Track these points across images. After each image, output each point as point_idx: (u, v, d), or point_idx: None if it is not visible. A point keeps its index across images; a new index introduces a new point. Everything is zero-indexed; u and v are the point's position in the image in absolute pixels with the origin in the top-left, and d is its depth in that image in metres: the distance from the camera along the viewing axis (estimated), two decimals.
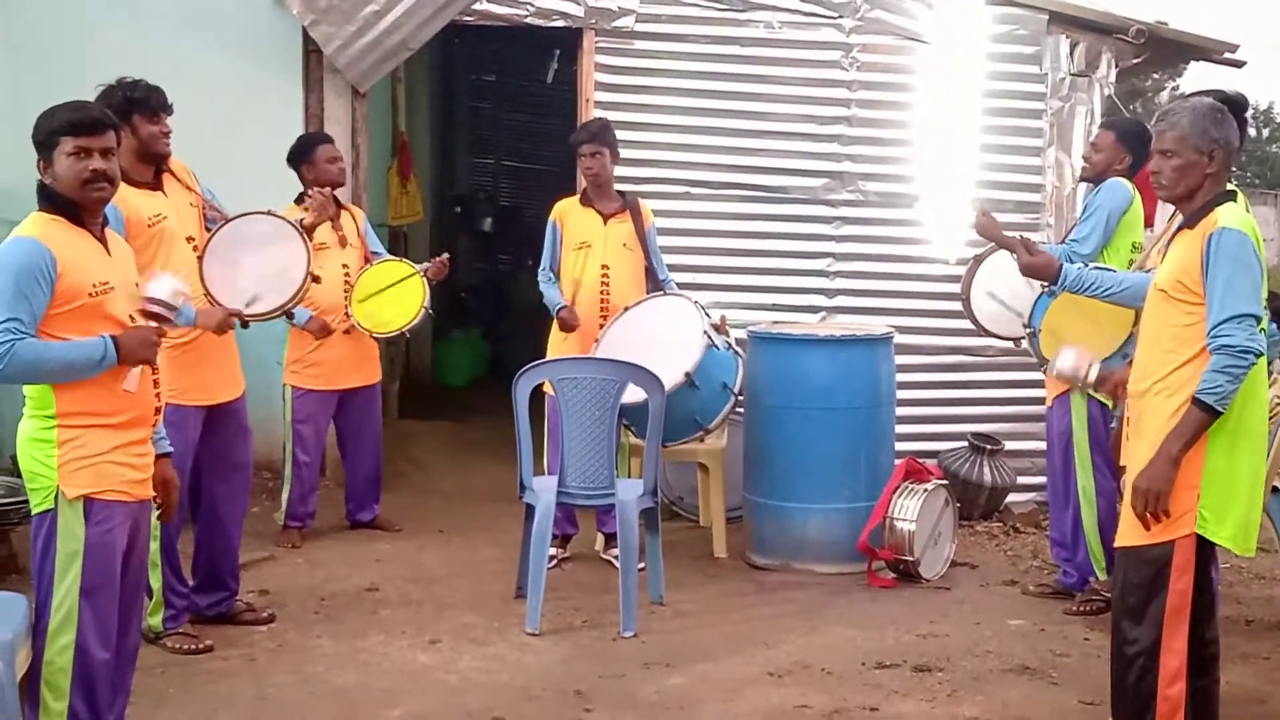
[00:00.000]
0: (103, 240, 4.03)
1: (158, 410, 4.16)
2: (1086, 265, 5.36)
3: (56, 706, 3.94)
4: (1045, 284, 5.55)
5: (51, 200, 3.95)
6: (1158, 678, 3.97)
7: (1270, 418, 4.48)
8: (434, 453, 9.32)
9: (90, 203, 3.96)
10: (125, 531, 4.04)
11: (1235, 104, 4.12)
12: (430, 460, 9.13)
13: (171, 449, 4.36)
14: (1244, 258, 3.88)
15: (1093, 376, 4.45)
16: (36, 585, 3.97)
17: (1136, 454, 4.04)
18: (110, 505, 3.97)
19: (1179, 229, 4.09)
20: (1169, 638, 3.96)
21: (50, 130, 3.93)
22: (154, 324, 4.04)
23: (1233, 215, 3.94)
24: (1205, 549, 3.99)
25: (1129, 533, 4.05)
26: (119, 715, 4.25)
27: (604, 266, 6.74)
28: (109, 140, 3.98)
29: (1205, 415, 3.86)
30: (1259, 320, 3.89)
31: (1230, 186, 4.07)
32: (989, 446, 7.71)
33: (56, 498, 3.93)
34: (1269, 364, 4.26)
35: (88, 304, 3.89)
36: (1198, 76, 24.44)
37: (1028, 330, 5.63)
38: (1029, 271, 5.33)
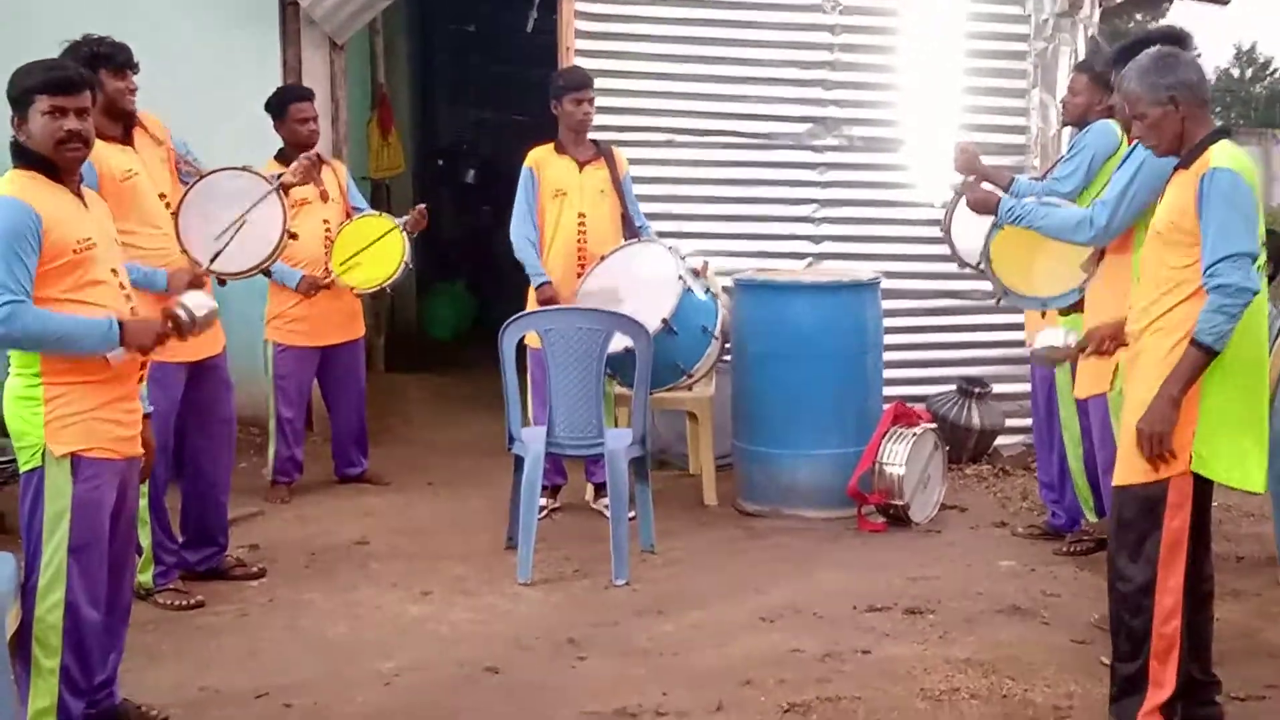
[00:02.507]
0: (80, 197, 4.00)
1: (143, 366, 4.14)
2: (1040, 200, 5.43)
3: (48, 664, 3.94)
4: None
5: (26, 158, 3.91)
6: (1153, 615, 3.97)
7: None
8: (421, 406, 9.31)
9: (65, 162, 3.94)
10: (113, 489, 4.03)
11: (1177, 41, 4.15)
12: (418, 413, 9.12)
13: (152, 408, 4.34)
14: (1237, 197, 3.86)
15: (1074, 342, 4.45)
16: (25, 543, 3.97)
17: (1133, 393, 4.04)
18: (98, 462, 3.96)
19: (1175, 169, 4.07)
20: (1164, 575, 3.96)
21: (26, 88, 3.89)
22: (169, 324, 4.03)
23: (1225, 154, 3.92)
24: (1203, 486, 3.98)
25: (1124, 471, 4.05)
26: (112, 672, 4.26)
27: (580, 215, 6.69)
28: (85, 100, 3.94)
29: (1203, 355, 3.85)
30: (1254, 258, 3.87)
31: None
32: (977, 390, 7.71)
33: (44, 455, 3.91)
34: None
35: (72, 260, 3.87)
36: (1180, 16, 24.32)
37: (980, 264, 5.68)
38: (973, 205, 5.55)
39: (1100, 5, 8.25)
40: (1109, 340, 4.36)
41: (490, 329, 6.47)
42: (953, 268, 6.63)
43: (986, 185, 5.89)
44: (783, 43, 8.00)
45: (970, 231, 5.95)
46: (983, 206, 5.45)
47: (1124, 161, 5.07)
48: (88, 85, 3.97)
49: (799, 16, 8.00)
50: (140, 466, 4.21)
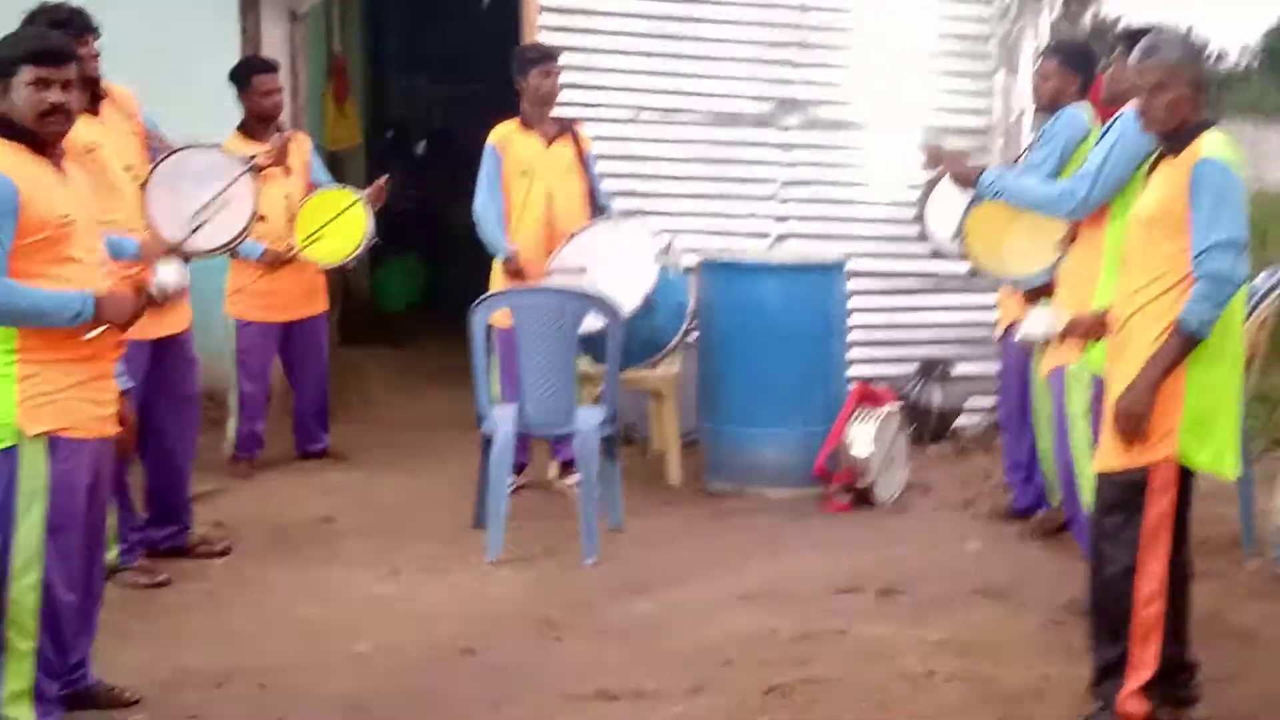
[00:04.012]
0: (62, 171, 3.92)
1: (120, 345, 4.06)
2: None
3: (23, 647, 3.87)
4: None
5: (8, 128, 3.82)
6: (1133, 599, 4.00)
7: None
8: (377, 380, 9.20)
9: (48, 135, 3.86)
10: (90, 469, 3.95)
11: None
12: (374, 388, 9.02)
13: (131, 384, 4.26)
14: (1228, 186, 3.89)
15: (1061, 325, 4.43)
16: None
17: (1118, 379, 4.06)
18: (75, 443, 3.88)
19: (1160, 156, 4.09)
20: (1145, 560, 3.99)
21: (11, 58, 3.81)
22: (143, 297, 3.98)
23: (1215, 144, 3.95)
24: (1186, 473, 4.02)
25: (1107, 456, 4.08)
26: (84, 653, 4.19)
27: (548, 193, 6.63)
28: (69, 72, 3.87)
29: (1187, 341, 3.87)
30: (1244, 246, 3.90)
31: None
32: (938, 370, 7.74)
33: (18, 434, 3.82)
34: None
35: (52, 235, 3.79)
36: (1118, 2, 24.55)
37: (956, 237, 5.70)
38: (955, 177, 5.58)
39: None
40: (1090, 331, 4.35)
41: (442, 301, 6.41)
42: (916, 249, 6.65)
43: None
44: (751, 21, 7.95)
45: (944, 218, 5.96)
46: (965, 180, 5.48)
47: (1101, 137, 5.10)
48: (72, 57, 3.89)
49: None
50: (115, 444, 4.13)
